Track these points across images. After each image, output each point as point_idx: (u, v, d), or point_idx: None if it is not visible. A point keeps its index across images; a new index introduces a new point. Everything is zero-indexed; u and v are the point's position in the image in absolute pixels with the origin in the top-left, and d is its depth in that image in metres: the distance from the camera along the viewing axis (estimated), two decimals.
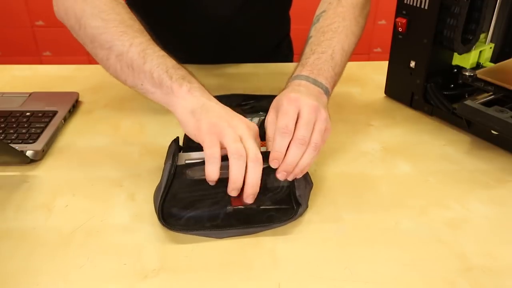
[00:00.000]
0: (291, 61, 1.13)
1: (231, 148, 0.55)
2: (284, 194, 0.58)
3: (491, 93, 0.75)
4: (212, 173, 0.56)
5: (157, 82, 0.61)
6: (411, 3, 0.76)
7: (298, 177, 0.59)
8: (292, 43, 1.16)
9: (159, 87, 0.61)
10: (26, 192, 0.63)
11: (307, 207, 0.59)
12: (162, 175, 0.60)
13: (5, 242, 0.54)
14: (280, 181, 0.59)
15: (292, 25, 1.13)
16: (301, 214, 0.58)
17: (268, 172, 0.58)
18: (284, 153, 0.58)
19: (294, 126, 0.58)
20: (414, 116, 0.82)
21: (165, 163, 0.61)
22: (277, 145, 0.58)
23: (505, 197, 0.63)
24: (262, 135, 0.69)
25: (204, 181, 0.59)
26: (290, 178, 0.59)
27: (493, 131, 0.69)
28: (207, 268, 0.51)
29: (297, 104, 0.59)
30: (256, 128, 0.60)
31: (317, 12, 0.77)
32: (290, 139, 0.58)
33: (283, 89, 0.66)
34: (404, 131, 0.78)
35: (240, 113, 0.69)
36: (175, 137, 0.65)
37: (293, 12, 1.09)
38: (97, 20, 0.65)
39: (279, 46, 1.10)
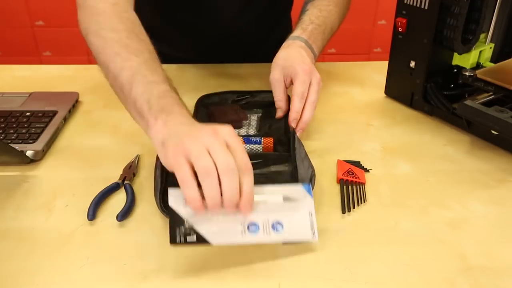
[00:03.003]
0: None
1: (198, 166, 0.48)
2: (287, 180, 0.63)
3: (491, 93, 0.75)
4: (191, 197, 0.48)
5: (139, 112, 0.58)
6: (411, 3, 0.76)
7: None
8: None
9: (140, 117, 0.58)
10: (26, 192, 0.63)
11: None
12: (155, 173, 0.60)
13: (4, 242, 0.54)
14: (282, 171, 0.64)
15: (294, 25, 1.13)
16: None
17: (277, 170, 0.64)
18: (300, 114, 0.70)
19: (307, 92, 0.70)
20: (414, 116, 0.82)
21: (156, 161, 0.61)
22: (296, 107, 0.69)
23: (505, 197, 0.63)
24: (263, 133, 0.73)
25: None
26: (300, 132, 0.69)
27: (493, 131, 0.69)
28: (207, 268, 0.51)
29: (310, 76, 0.71)
30: (229, 130, 0.53)
31: None
32: (304, 103, 0.70)
33: (284, 44, 0.77)
34: (404, 131, 0.78)
35: (237, 109, 0.76)
36: None
37: (294, 12, 1.09)
38: (97, 38, 0.64)
39: (278, 47, 1.10)
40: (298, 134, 0.69)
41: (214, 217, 0.50)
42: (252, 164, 0.55)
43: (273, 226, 0.52)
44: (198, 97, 0.85)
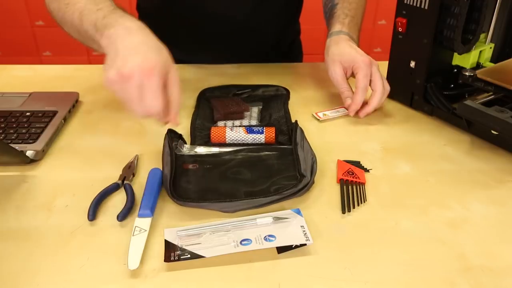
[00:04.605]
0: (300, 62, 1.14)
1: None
2: (290, 171, 0.64)
3: (491, 93, 0.75)
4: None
5: (91, 38, 0.64)
6: (411, 3, 0.76)
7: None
8: (302, 46, 1.15)
9: (94, 42, 0.65)
10: (26, 192, 0.63)
11: (313, 182, 0.62)
12: (163, 159, 0.65)
13: (5, 242, 0.54)
14: (286, 163, 0.66)
15: (301, 26, 1.13)
16: (306, 186, 0.60)
17: (278, 156, 0.67)
18: (360, 106, 0.77)
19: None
20: (414, 116, 0.82)
21: (163, 150, 0.66)
22: (359, 100, 0.76)
23: (505, 197, 0.63)
24: (265, 124, 0.75)
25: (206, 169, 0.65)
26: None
27: (493, 131, 0.69)
28: (207, 268, 0.51)
29: (370, 67, 0.76)
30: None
31: None
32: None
33: (330, 40, 0.81)
34: (404, 131, 0.78)
35: (239, 101, 0.78)
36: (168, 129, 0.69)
37: (302, 13, 1.09)
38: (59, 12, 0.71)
39: (289, 48, 1.10)
40: (362, 116, 0.78)
41: (208, 240, 0.53)
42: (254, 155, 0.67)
43: (265, 239, 0.53)
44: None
